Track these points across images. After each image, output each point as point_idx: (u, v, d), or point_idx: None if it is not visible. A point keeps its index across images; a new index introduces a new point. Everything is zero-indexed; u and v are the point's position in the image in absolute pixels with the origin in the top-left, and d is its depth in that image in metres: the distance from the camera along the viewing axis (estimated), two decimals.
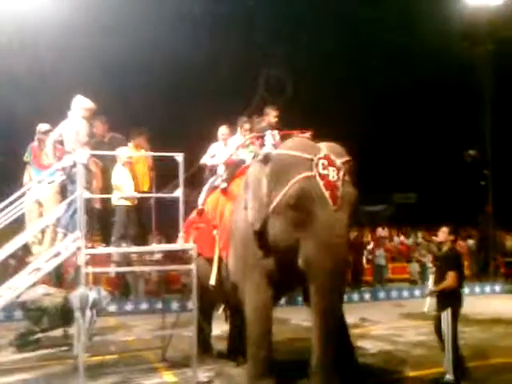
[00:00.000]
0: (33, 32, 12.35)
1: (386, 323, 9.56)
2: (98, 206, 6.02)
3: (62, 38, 12.86)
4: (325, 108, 14.50)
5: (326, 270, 4.66)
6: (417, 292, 13.14)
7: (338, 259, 4.72)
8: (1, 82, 12.13)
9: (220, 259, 5.75)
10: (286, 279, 5.25)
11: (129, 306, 10.80)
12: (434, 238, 12.37)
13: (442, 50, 15.00)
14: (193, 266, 5.39)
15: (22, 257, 7.47)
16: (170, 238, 7.07)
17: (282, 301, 7.69)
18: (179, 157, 5.37)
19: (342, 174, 4.86)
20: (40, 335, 7.59)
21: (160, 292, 9.28)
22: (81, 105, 5.77)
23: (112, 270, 6.44)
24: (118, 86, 13.56)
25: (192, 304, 5.61)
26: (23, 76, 12.65)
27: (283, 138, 5.73)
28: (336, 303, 4.85)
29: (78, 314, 4.90)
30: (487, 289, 13.65)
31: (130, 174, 6.20)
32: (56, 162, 5.80)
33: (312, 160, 4.83)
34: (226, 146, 6.56)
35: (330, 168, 4.82)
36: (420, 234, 15.77)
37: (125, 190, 6.06)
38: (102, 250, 5.58)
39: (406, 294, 13.11)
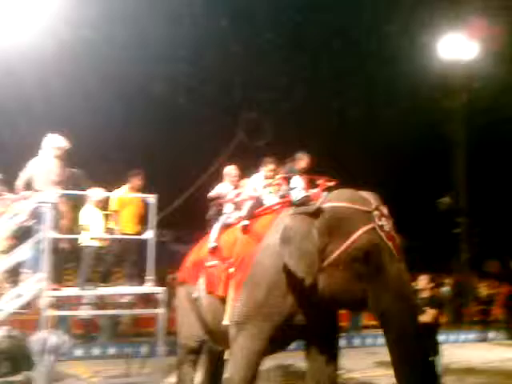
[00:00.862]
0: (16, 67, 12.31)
1: (359, 371, 9.40)
2: (65, 245, 5.89)
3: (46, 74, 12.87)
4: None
5: (405, 319, 4.78)
6: None
7: (413, 307, 5.01)
8: None
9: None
10: (292, 335, 5.36)
11: (97, 350, 10.45)
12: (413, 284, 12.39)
13: (418, 102, 15.48)
14: (160, 310, 5.25)
15: None
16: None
17: None
18: (152, 199, 5.33)
19: (391, 223, 5.00)
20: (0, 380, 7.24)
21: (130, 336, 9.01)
22: (53, 144, 5.73)
23: (72, 313, 6.23)
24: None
25: (160, 350, 5.44)
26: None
27: (309, 183, 5.83)
28: (416, 347, 4.84)
29: (36, 359, 4.70)
30: (462, 337, 13.59)
31: (101, 213, 6.12)
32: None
33: (370, 212, 4.92)
34: (235, 187, 6.54)
35: (383, 219, 4.94)
36: None
37: (93, 230, 5.96)
38: (65, 292, 5.41)
39: (380, 340, 12.97)
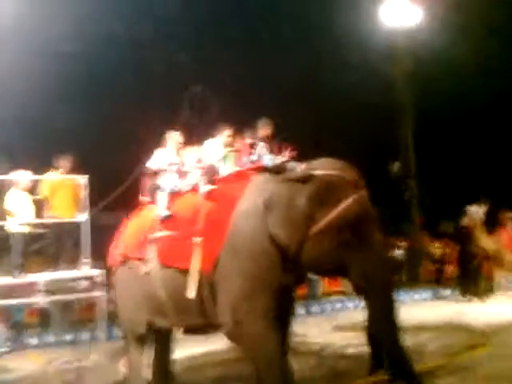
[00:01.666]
0: None
1: (314, 337, 9.57)
2: None
3: None
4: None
5: (388, 282, 5.18)
6: (350, 304, 13.38)
7: (391, 271, 5.34)
8: None
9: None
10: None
11: (51, 338, 10.24)
12: None
13: (363, 68, 15.54)
14: (100, 293, 5.12)
15: None
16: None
17: None
18: (84, 179, 5.16)
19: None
20: None
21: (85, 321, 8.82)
22: None
23: (3, 302, 6.02)
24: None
25: (101, 334, 5.31)
26: None
27: (273, 152, 5.69)
28: (394, 306, 5.11)
29: None
30: (417, 296, 13.99)
31: (30, 199, 5.88)
32: None
33: (356, 182, 5.01)
34: (178, 154, 6.25)
35: (362, 189, 5.06)
36: None
37: (21, 216, 5.72)
38: None
39: (338, 306, 13.28)
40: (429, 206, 16.95)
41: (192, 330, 5.91)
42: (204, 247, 5.20)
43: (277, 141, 5.90)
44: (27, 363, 8.25)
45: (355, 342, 8.47)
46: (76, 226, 6.33)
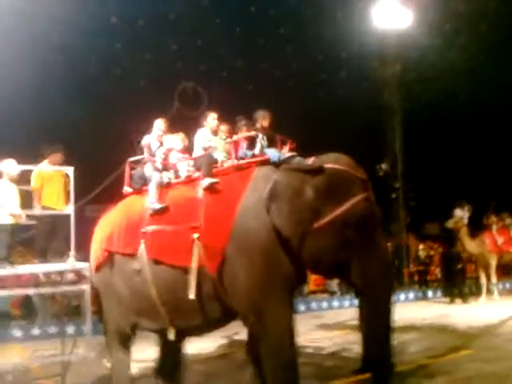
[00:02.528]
0: None
1: (302, 335, 9.60)
2: None
3: None
4: None
5: (387, 286, 4.97)
6: (335, 303, 13.47)
7: (392, 276, 5.20)
8: None
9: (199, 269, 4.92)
10: None
11: (36, 331, 10.18)
12: None
13: (354, 69, 15.60)
14: (85, 287, 5.06)
15: None
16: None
17: None
18: (70, 171, 5.09)
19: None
20: None
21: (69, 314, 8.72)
22: None
23: None
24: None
25: (86, 328, 5.23)
26: None
27: (273, 144, 5.53)
28: (390, 312, 4.97)
29: None
30: (401, 297, 14.12)
31: (16, 189, 5.78)
32: None
33: (365, 180, 4.87)
34: (161, 142, 5.92)
35: (369, 189, 4.94)
36: None
37: (8, 206, 5.62)
38: None
39: (325, 305, 13.36)
40: (413, 207, 17.09)
41: (184, 332, 5.50)
42: (206, 243, 4.92)
43: (274, 132, 5.71)
44: (11, 356, 8.18)
45: (340, 341, 8.53)
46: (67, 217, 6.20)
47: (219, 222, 4.96)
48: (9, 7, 11.57)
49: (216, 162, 5.55)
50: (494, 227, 13.49)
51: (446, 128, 17.59)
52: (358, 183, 4.82)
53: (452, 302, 13.43)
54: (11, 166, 5.68)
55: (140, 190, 5.86)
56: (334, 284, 14.46)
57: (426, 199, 17.26)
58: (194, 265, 4.86)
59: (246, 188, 5.04)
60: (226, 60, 15.41)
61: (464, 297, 13.36)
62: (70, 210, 5.13)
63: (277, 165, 5.15)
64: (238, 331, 7.07)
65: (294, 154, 5.30)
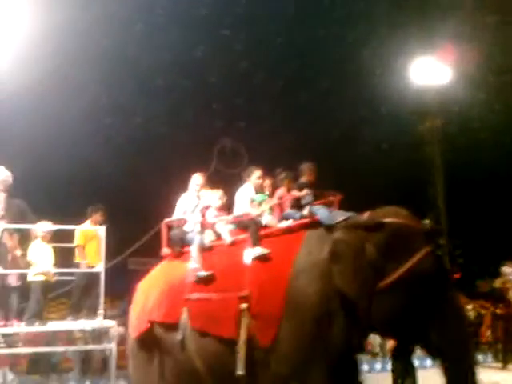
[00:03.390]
0: None
1: None
2: (15, 282, 5.78)
3: None
4: None
5: (470, 343, 4.71)
6: (377, 365, 12.86)
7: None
8: None
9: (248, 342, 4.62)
10: None
11: None
12: None
13: (394, 125, 15.62)
14: (112, 346, 5.10)
15: None
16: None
17: None
18: (102, 230, 5.27)
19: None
20: None
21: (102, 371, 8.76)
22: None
23: (16, 350, 6.08)
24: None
25: None
26: None
27: (318, 199, 5.34)
28: (475, 370, 4.55)
29: None
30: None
31: (51, 249, 6.05)
32: None
33: (428, 233, 4.59)
34: (199, 198, 5.80)
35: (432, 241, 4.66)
36: None
37: (41, 265, 5.87)
38: (12, 329, 5.29)
39: (365, 367, 12.78)
40: (462, 264, 16.42)
41: None
42: (257, 313, 4.66)
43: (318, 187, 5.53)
44: None
45: None
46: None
47: (271, 289, 4.72)
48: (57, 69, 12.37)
49: (261, 226, 5.32)
50: None
51: (493, 183, 17.11)
52: (421, 236, 4.52)
53: (503, 367, 12.55)
54: (45, 227, 5.96)
55: (180, 253, 5.65)
56: (377, 344, 13.88)
57: (475, 256, 16.58)
58: (242, 338, 4.61)
59: (298, 252, 4.82)
60: (266, 115, 15.76)
61: None
62: (100, 267, 5.25)
63: (328, 226, 4.87)
64: None
65: (348, 214, 4.97)
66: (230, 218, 5.61)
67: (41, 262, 5.78)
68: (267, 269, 4.80)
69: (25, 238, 5.98)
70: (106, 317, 5.56)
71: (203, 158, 13.78)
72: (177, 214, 5.84)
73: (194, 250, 5.29)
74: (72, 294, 6.48)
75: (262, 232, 5.16)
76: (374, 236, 4.50)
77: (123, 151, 13.75)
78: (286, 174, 5.71)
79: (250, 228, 5.13)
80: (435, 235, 4.71)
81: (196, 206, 5.77)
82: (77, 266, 6.43)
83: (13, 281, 5.68)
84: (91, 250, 6.32)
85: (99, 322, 5.21)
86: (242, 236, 5.22)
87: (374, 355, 13.71)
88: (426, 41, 15.43)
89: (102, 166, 13.07)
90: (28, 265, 5.84)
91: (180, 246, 5.67)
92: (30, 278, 5.81)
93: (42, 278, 5.76)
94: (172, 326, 5.04)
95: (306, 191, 5.34)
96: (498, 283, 12.59)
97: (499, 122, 15.18)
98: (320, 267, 4.57)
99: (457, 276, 15.75)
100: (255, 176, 5.60)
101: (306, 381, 4.48)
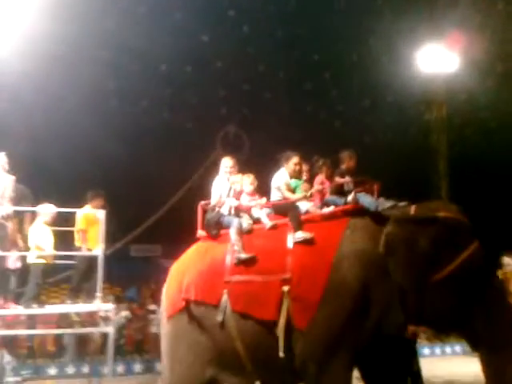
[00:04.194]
0: None
1: None
2: (14, 265, 5.81)
3: None
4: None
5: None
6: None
7: None
8: None
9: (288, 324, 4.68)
10: None
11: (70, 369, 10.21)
12: None
13: (400, 113, 15.50)
14: (109, 329, 5.14)
15: None
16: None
17: None
18: (101, 213, 5.29)
19: None
20: None
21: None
22: (4, 160, 5.72)
23: (14, 332, 6.14)
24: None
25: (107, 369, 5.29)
26: None
27: (357, 186, 5.34)
28: None
29: None
30: (448, 350, 13.39)
31: (51, 232, 6.07)
32: None
33: (472, 227, 4.73)
34: (230, 182, 5.69)
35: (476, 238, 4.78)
36: None
37: (43, 248, 5.89)
38: (10, 311, 5.34)
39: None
40: None
41: None
42: (297, 296, 4.73)
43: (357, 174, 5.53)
44: None
45: None
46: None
47: (312, 274, 4.78)
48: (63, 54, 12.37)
49: (301, 211, 5.32)
50: None
51: (501, 173, 16.97)
52: (470, 231, 4.70)
53: None
54: (47, 209, 5.98)
55: (217, 235, 5.63)
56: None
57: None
58: (282, 320, 4.67)
59: (341, 239, 4.86)
60: (271, 104, 15.67)
61: None
62: (98, 251, 5.27)
63: (373, 214, 4.94)
64: None
65: (390, 202, 5.05)
66: (265, 202, 5.63)
67: (42, 244, 5.81)
68: (310, 253, 4.87)
69: (21, 222, 6.01)
70: (107, 301, 5.63)
71: (207, 144, 13.78)
72: (213, 197, 5.78)
73: (232, 232, 5.30)
74: (72, 278, 6.53)
75: (304, 217, 5.19)
76: (427, 230, 4.59)
77: (126, 136, 13.71)
78: (324, 160, 5.74)
79: (291, 212, 5.15)
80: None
81: (229, 190, 5.73)
82: (77, 250, 6.47)
83: (12, 263, 5.73)
84: (93, 234, 6.34)
85: (97, 305, 5.24)
86: (282, 220, 5.26)
87: None
88: (433, 28, 15.22)
89: (104, 151, 13.08)
90: (27, 248, 5.88)
91: (217, 228, 5.64)
92: (30, 261, 5.85)
93: (42, 261, 5.79)
94: (211, 307, 5.09)
95: (347, 178, 5.37)
96: (499, 274, 12.54)
97: (508, 111, 15.00)
98: (365, 256, 4.67)
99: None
100: (292, 162, 5.58)
101: (326, 367, 4.57)
